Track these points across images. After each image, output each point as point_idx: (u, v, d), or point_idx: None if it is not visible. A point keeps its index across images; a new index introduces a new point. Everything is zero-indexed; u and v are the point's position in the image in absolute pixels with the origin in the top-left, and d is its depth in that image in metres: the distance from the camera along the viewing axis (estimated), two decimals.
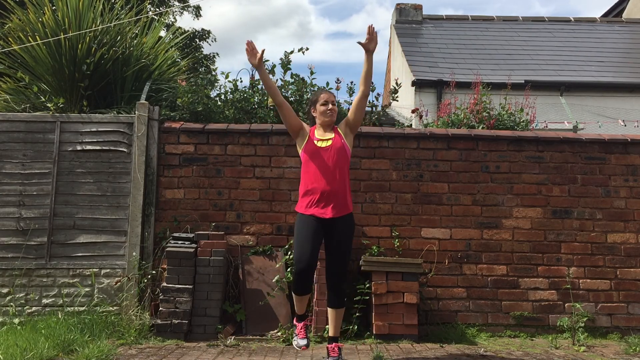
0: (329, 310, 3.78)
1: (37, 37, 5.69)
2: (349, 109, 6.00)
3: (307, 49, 6.23)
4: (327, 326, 4.47)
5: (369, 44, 3.70)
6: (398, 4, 12.19)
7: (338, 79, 6.05)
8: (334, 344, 3.71)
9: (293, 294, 3.76)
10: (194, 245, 4.78)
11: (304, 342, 3.72)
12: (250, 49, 3.74)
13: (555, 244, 5.10)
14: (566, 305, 4.96)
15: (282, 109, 3.80)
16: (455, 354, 4.12)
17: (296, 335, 3.77)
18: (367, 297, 4.57)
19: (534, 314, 4.96)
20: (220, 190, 5.18)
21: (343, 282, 3.74)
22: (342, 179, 3.66)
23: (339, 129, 3.82)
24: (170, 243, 4.81)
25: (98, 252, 5.06)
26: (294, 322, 3.86)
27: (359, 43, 3.71)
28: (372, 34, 3.70)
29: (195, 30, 16.75)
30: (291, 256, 4.92)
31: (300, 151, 3.81)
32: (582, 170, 5.22)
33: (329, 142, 3.70)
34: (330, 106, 3.76)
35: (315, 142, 3.72)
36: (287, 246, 5.05)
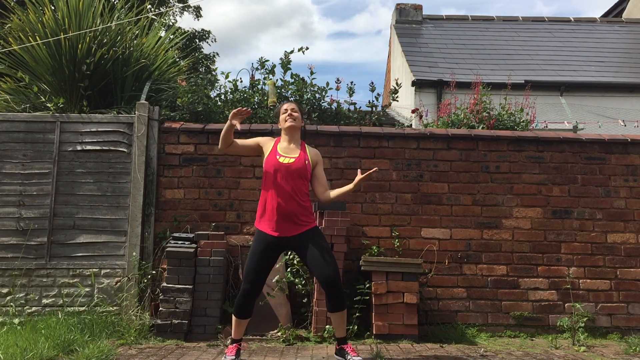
0: (332, 315, 3.68)
1: (37, 37, 5.69)
2: (349, 109, 6.03)
3: (307, 48, 6.23)
4: (327, 326, 4.48)
5: (361, 183, 3.67)
6: (398, 4, 12.19)
7: (338, 79, 6.05)
8: (349, 343, 3.71)
9: (233, 316, 3.71)
10: (194, 245, 4.78)
11: (232, 357, 3.62)
12: (239, 112, 3.57)
13: (555, 244, 5.11)
14: (566, 305, 4.96)
15: (235, 149, 3.74)
16: (455, 354, 4.12)
17: (225, 355, 3.68)
18: (367, 297, 4.57)
19: (534, 314, 4.97)
20: (220, 190, 5.18)
21: (340, 284, 3.59)
22: (298, 198, 3.58)
23: (308, 152, 3.74)
24: (170, 243, 4.81)
25: (98, 252, 5.06)
26: (227, 343, 3.82)
27: (359, 176, 3.63)
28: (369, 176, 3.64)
29: (195, 31, 16.75)
30: (291, 256, 4.93)
31: (263, 162, 3.71)
32: (582, 170, 5.23)
33: (292, 160, 3.63)
34: (289, 112, 3.74)
35: (278, 157, 3.64)
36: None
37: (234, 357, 3.66)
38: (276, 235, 3.59)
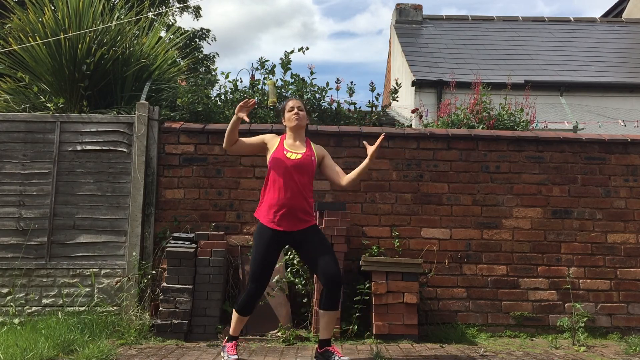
0: (322, 313, 3.59)
1: (37, 37, 5.69)
2: (349, 109, 6.03)
3: (307, 48, 6.23)
4: None
5: (375, 155, 3.62)
6: (398, 4, 12.20)
7: (338, 79, 6.05)
8: (333, 345, 3.64)
9: (235, 313, 3.70)
10: (194, 245, 4.78)
11: (235, 357, 3.63)
12: (245, 104, 3.60)
13: (555, 244, 5.11)
14: (566, 305, 4.96)
15: (240, 148, 3.78)
16: (455, 354, 4.12)
17: (226, 354, 3.68)
18: (367, 297, 4.57)
19: (534, 314, 4.97)
20: (220, 190, 5.18)
21: (338, 272, 3.53)
22: (304, 196, 3.60)
23: (314, 148, 3.74)
24: (170, 243, 4.80)
25: (98, 252, 5.06)
26: (224, 342, 3.82)
27: (370, 148, 3.62)
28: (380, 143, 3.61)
29: (195, 30, 16.75)
30: (291, 256, 4.93)
31: (268, 158, 3.71)
32: (582, 170, 5.23)
33: (299, 156, 3.63)
34: (295, 110, 3.72)
35: (285, 152, 3.64)
36: (287, 246, 5.04)
37: (237, 356, 3.67)
38: (280, 230, 3.57)
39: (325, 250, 3.58)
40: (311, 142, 3.81)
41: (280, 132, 5.20)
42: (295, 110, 3.74)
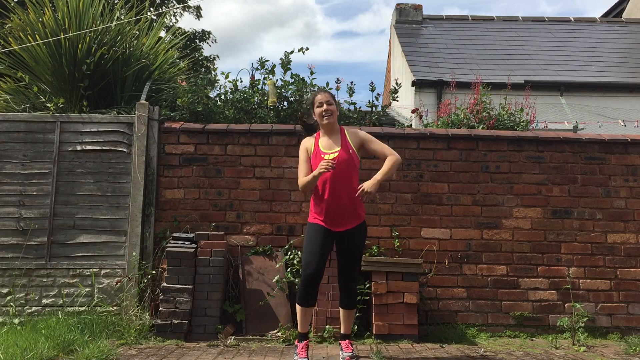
0: (341, 310, 3.89)
1: (37, 37, 5.69)
2: (349, 109, 6.02)
3: (307, 49, 6.22)
4: (327, 326, 4.49)
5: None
6: (398, 4, 12.19)
7: (338, 79, 6.05)
8: (347, 340, 3.83)
9: (297, 307, 3.70)
10: (194, 245, 4.78)
11: None
12: (329, 165, 3.50)
13: (555, 244, 5.10)
14: (566, 305, 4.96)
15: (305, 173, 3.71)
16: (455, 354, 4.12)
17: (296, 355, 3.65)
18: (367, 297, 4.57)
19: (534, 314, 4.96)
20: (220, 190, 5.18)
21: (354, 283, 3.81)
22: (350, 191, 3.59)
23: (349, 138, 3.70)
24: (170, 243, 4.80)
25: (98, 252, 5.06)
26: (296, 342, 3.80)
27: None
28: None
29: (196, 31, 16.74)
30: (291, 256, 4.93)
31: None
32: (582, 170, 5.23)
33: (336, 154, 3.61)
34: (325, 107, 3.66)
35: (322, 155, 3.62)
36: (287, 246, 5.05)
37: (307, 359, 3.63)
38: (331, 229, 3.63)
39: (352, 255, 3.71)
40: (346, 131, 3.74)
41: (279, 133, 5.24)
42: (325, 106, 3.66)
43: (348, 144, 3.67)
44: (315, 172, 3.53)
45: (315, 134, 3.81)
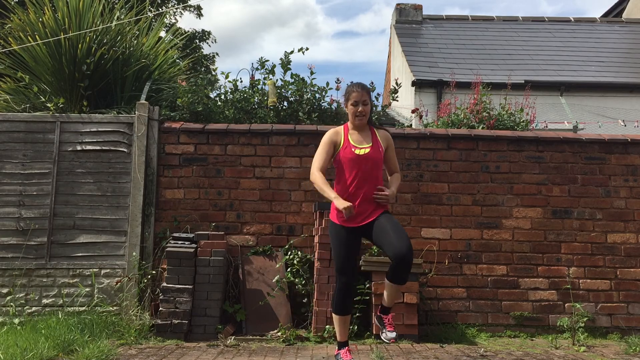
0: (390, 285, 3.45)
1: (37, 37, 5.69)
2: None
3: (307, 49, 6.23)
4: (327, 326, 4.49)
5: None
6: (398, 4, 12.19)
7: (338, 79, 6.05)
8: (390, 314, 3.56)
9: (334, 316, 3.56)
10: (194, 245, 4.78)
11: None
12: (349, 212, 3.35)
13: (555, 244, 5.10)
14: (566, 305, 4.96)
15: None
16: (455, 354, 4.12)
17: (340, 357, 3.53)
18: (367, 297, 4.57)
19: (534, 314, 4.96)
20: (220, 190, 5.18)
21: (409, 252, 3.31)
22: (372, 189, 3.50)
23: (379, 138, 3.62)
24: (170, 243, 4.81)
25: (98, 252, 5.06)
26: (335, 351, 3.65)
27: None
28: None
29: (196, 31, 16.74)
30: (291, 256, 4.93)
31: (336, 155, 3.58)
32: (582, 170, 5.22)
33: (367, 150, 3.52)
34: (360, 108, 3.54)
35: (353, 149, 3.52)
36: (287, 246, 5.05)
37: None
38: (355, 226, 3.48)
39: (395, 228, 3.39)
40: (375, 130, 3.66)
41: (279, 133, 5.24)
42: (361, 107, 3.55)
43: (379, 142, 3.59)
44: (334, 200, 3.38)
45: (343, 126, 3.71)
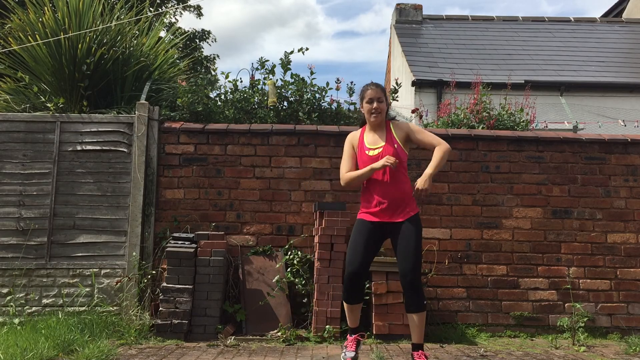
0: (410, 316, 3.45)
1: (37, 37, 5.69)
2: (349, 109, 6.02)
3: (307, 49, 6.22)
4: (327, 326, 4.48)
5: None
6: (398, 4, 12.19)
7: (338, 79, 6.03)
8: (420, 351, 3.43)
9: (344, 303, 3.62)
10: (194, 245, 4.78)
11: (352, 354, 3.51)
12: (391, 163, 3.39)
13: (555, 244, 5.10)
14: (566, 305, 4.96)
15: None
16: (455, 354, 4.12)
17: (345, 348, 3.58)
18: (367, 297, 4.56)
19: (534, 314, 4.97)
20: (220, 190, 5.18)
21: (417, 281, 3.40)
22: (397, 186, 3.46)
23: (394, 132, 3.56)
24: (170, 243, 4.81)
25: (98, 252, 5.06)
26: (348, 335, 3.67)
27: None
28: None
29: (196, 31, 16.74)
30: (291, 256, 4.93)
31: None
32: (582, 170, 5.23)
33: (380, 150, 3.50)
34: (375, 104, 3.52)
35: (366, 151, 3.53)
36: (287, 246, 5.05)
37: (354, 353, 3.54)
38: (377, 221, 3.48)
39: (407, 246, 3.40)
40: (392, 125, 3.61)
41: (279, 133, 5.24)
42: (375, 104, 3.53)
43: (393, 138, 3.55)
44: (370, 167, 3.40)
45: (361, 128, 3.71)
